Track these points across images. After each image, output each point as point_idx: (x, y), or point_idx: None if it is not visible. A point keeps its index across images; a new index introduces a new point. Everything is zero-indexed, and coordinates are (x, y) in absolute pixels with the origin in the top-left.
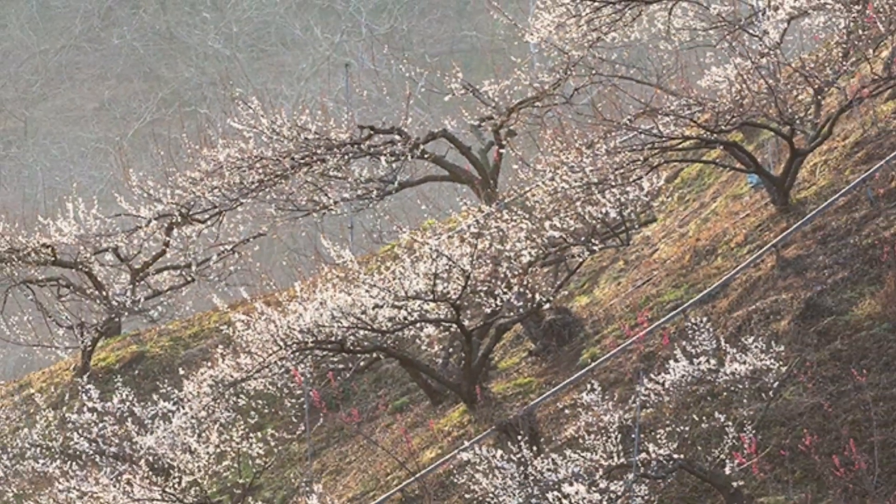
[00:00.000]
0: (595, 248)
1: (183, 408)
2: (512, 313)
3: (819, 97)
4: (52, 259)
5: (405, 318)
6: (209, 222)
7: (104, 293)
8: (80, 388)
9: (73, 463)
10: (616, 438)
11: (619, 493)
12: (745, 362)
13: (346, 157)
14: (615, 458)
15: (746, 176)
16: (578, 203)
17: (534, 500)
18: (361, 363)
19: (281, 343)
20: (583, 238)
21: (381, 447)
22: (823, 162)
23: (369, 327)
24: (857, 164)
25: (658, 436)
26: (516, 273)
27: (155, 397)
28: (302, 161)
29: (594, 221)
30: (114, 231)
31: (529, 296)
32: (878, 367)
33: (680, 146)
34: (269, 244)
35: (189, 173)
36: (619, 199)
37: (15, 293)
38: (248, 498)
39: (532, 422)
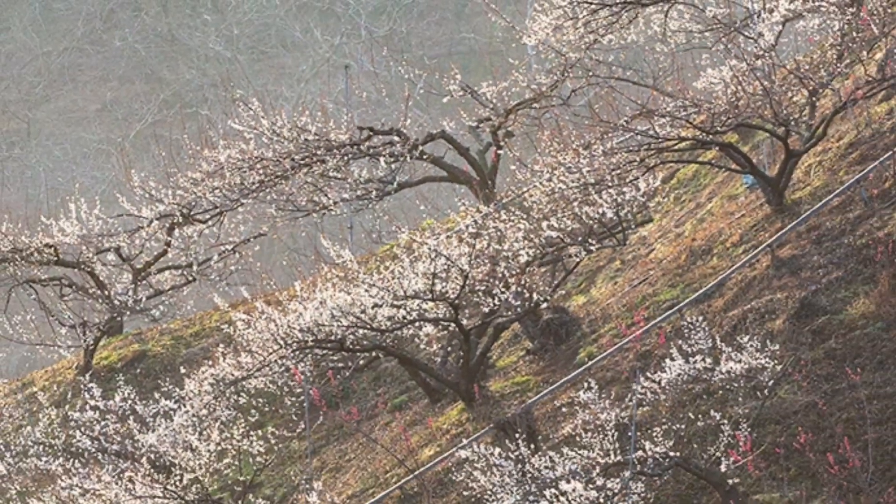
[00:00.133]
0: (592, 247)
1: (184, 406)
2: (510, 312)
3: (814, 99)
4: (55, 259)
5: (404, 318)
6: (210, 222)
7: (106, 292)
8: (82, 386)
9: (76, 460)
10: (613, 436)
11: (616, 491)
12: (740, 361)
13: (345, 157)
14: (612, 456)
15: (742, 177)
16: (575, 203)
17: (531, 498)
18: (361, 362)
19: (281, 342)
20: (580, 238)
21: (381, 445)
22: (818, 163)
23: (369, 326)
24: (851, 164)
25: (654, 434)
26: (514, 273)
27: (156, 396)
28: (302, 162)
29: (591, 221)
30: (116, 231)
31: (527, 295)
32: (872, 365)
33: (676, 147)
34: (270, 244)
35: (190, 174)
36: (615, 199)
37: (18, 292)
38: (249, 495)
39: (530, 420)
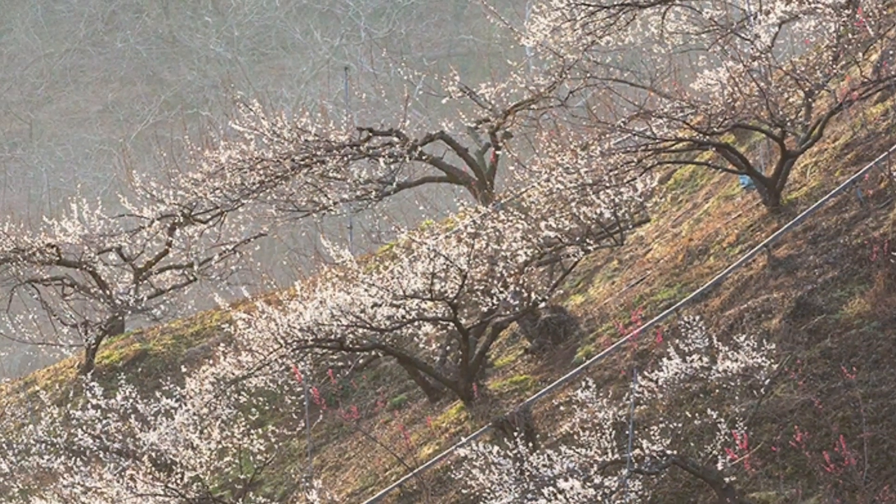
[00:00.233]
0: (590, 247)
1: (185, 405)
2: (508, 312)
3: (809, 100)
4: (57, 259)
5: (403, 317)
6: (211, 222)
7: (108, 292)
8: (84, 385)
9: (78, 459)
10: (610, 435)
11: (614, 489)
12: (736, 360)
13: (345, 158)
14: (609, 454)
15: (738, 177)
16: (573, 204)
17: (529, 496)
18: (360, 361)
19: (281, 341)
20: (578, 238)
21: (380, 443)
22: (814, 163)
23: (368, 326)
24: (846, 165)
25: (651, 432)
26: (512, 272)
27: (158, 394)
28: (302, 162)
29: (589, 222)
30: (117, 231)
31: (525, 295)
32: (868, 364)
33: (673, 148)
34: (270, 244)
35: (191, 174)
36: (613, 199)
37: (20, 292)
38: (250, 493)
39: (528, 418)
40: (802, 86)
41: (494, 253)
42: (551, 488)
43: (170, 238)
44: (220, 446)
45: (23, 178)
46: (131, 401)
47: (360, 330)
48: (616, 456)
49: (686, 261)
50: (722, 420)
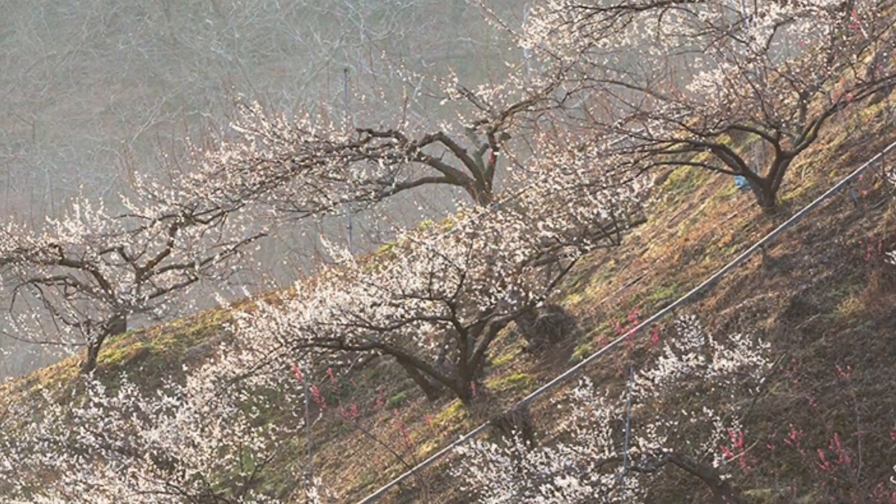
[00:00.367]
0: (587, 247)
1: (186, 403)
2: (506, 311)
3: (804, 101)
4: (60, 258)
5: (402, 316)
6: (212, 223)
7: (110, 292)
8: (86, 383)
9: (80, 456)
10: (607, 433)
11: (610, 486)
12: (732, 359)
13: (344, 159)
14: (606, 452)
15: (734, 178)
16: (571, 204)
17: (527, 493)
18: (360, 360)
19: (282, 340)
20: (575, 238)
21: (379, 441)
22: (809, 164)
23: (367, 325)
24: (841, 166)
25: (648, 430)
26: (510, 272)
27: (159, 393)
28: (302, 163)
29: (586, 222)
30: (119, 231)
31: (523, 294)
32: (862, 363)
33: (669, 149)
34: (270, 244)
35: (192, 175)
36: (610, 200)
37: (23, 292)
38: (250, 490)
39: (525, 416)
40: (797, 87)
41: (492, 253)
42: (549, 486)
43: (171, 238)
44: (220, 444)
45: (26, 179)
46: (133, 399)
47: (360, 329)
48: (613, 454)
49: (682, 261)
50: (717, 418)
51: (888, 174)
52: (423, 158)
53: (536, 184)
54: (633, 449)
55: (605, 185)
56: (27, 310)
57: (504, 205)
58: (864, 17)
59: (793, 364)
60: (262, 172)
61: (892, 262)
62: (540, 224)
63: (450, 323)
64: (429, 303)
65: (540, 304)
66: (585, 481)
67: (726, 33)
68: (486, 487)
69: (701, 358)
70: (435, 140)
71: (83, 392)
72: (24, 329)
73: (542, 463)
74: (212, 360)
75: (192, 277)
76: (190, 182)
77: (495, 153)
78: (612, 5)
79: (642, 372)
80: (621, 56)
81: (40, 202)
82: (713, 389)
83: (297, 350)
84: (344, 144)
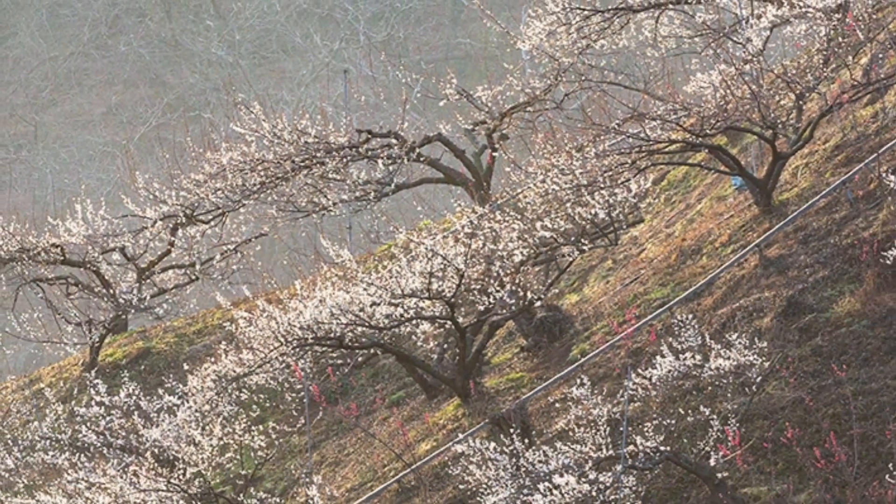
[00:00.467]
0: (584, 247)
1: (187, 402)
2: (504, 311)
3: (800, 102)
4: (62, 258)
5: (402, 316)
6: (213, 223)
7: (111, 291)
8: (88, 382)
9: (82, 455)
10: (605, 431)
11: (608, 484)
12: (729, 358)
13: (344, 160)
14: (604, 451)
15: (731, 178)
16: (568, 204)
17: (525, 491)
18: (359, 359)
19: (282, 339)
20: (573, 238)
21: (379, 440)
22: (805, 165)
23: (367, 324)
24: (837, 166)
25: (645, 429)
26: (509, 272)
27: (160, 391)
28: (302, 164)
29: (584, 222)
30: (121, 231)
31: (521, 294)
32: (858, 362)
33: (666, 149)
34: (271, 244)
35: (193, 176)
36: (607, 200)
37: (26, 291)
38: (251, 489)
39: (524, 415)
40: (793, 88)
41: (491, 253)
42: (547, 484)
43: (172, 238)
44: (221, 443)
45: (28, 180)
46: (134, 398)
47: (359, 328)
48: (610, 452)
49: (679, 260)
50: (714, 417)
51: (883, 175)
52: (422, 159)
53: (534, 184)
54: (631, 447)
55: (602, 185)
56: (29, 309)
57: (502, 205)
58: (860, 18)
59: (789, 363)
60: (262, 173)
61: (888, 261)
62: (538, 224)
63: (449, 322)
64: (428, 302)
65: (538, 303)
66: (583, 479)
67: (723, 35)
68: (484, 485)
69: (698, 357)
70: (434, 141)
71: (85, 391)
72: (26, 328)
73: (540, 461)
74: (212, 360)
75: (193, 277)
76: (191, 182)
77: (494, 154)
78: (609, 7)
79: (640, 371)
80: (619, 57)
81: (42, 202)
82: (710, 388)
83: (297, 349)
84: (344, 145)
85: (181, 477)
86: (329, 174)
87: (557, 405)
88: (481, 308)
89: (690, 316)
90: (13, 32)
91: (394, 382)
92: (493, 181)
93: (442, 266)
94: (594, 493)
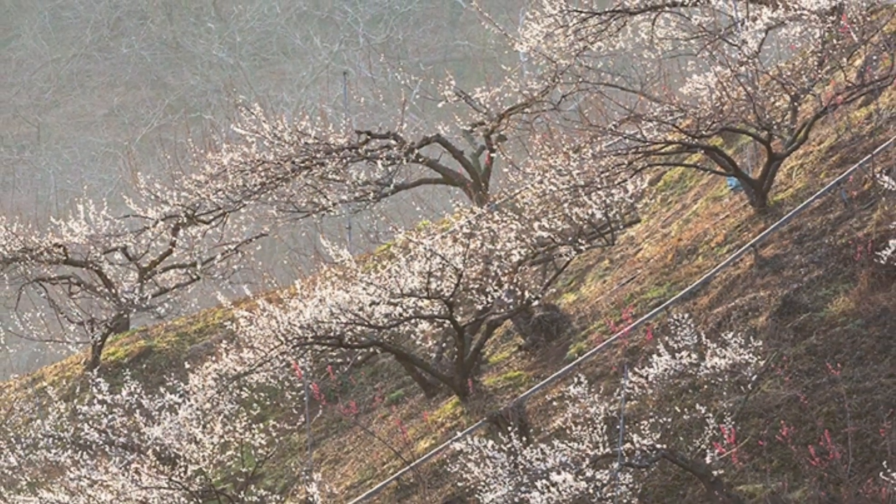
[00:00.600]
0: (582, 247)
1: (188, 400)
2: (502, 310)
3: (795, 104)
4: (64, 258)
5: (400, 315)
6: (214, 223)
7: (113, 291)
8: (90, 381)
9: (84, 453)
10: (602, 429)
11: (605, 482)
12: (724, 357)
13: (344, 160)
14: (601, 448)
15: (726, 179)
16: (566, 205)
17: (523, 489)
18: (359, 357)
19: (282, 338)
20: (570, 238)
21: (378, 437)
22: (799, 165)
23: (366, 323)
24: (831, 167)
25: (642, 427)
26: (507, 271)
27: (162, 390)
28: (302, 165)
29: (581, 222)
30: (122, 231)
31: (519, 293)
32: (852, 361)
33: (663, 150)
34: (271, 244)
35: (194, 176)
36: (604, 200)
37: (28, 291)
38: (251, 486)
39: (522, 413)
40: (788, 90)
41: (489, 252)
42: (544, 481)
43: (174, 238)
44: (222, 440)
45: (31, 180)
46: (136, 396)
47: (359, 327)
48: (607, 450)
49: (675, 260)
50: (710, 415)
51: (878, 175)
52: (420, 160)
53: (532, 185)
54: (628, 445)
55: (599, 186)
56: (32, 308)
57: (500, 205)
58: (854, 21)
59: (784, 362)
60: (262, 174)
61: (882, 261)
62: (536, 224)
63: (447, 321)
64: (427, 301)
65: (536, 302)
66: (580, 477)
67: (719, 37)
68: (482, 483)
69: (694, 356)
70: (433, 142)
71: (87, 389)
72: (29, 327)
73: (537, 459)
74: (213, 358)
75: (194, 277)
76: (192, 183)
77: (492, 155)
78: (606, 9)
79: (636, 369)
80: (616, 59)
81: (45, 203)
82: (706, 387)
83: (297, 348)
84: (343, 146)
85: (182, 474)
86: (329, 175)
87: (555, 403)
88: (479, 307)
89: (686, 315)
90: (16, 34)
91: (393, 381)
92: (491, 182)
93: (440, 266)
94: (591, 491)
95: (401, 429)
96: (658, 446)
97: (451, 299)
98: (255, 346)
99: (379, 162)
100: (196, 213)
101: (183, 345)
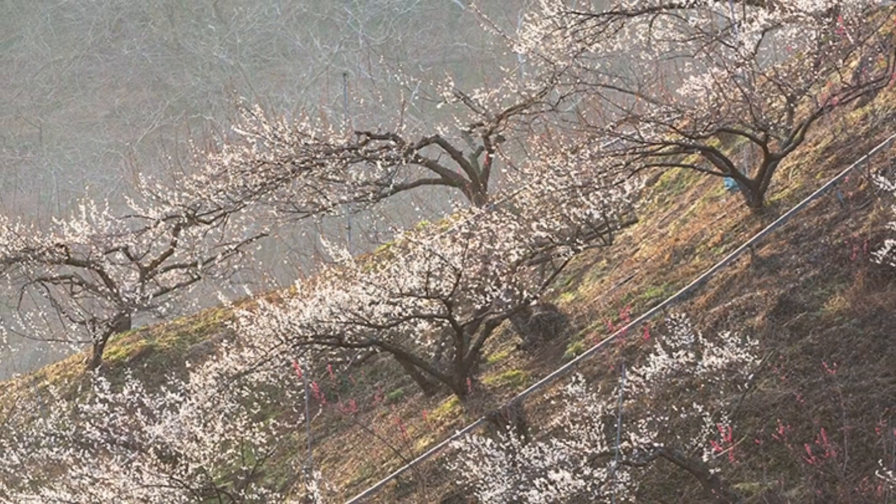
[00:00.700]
0: (579, 247)
1: (189, 399)
2: (501, 309)
3: (792, 105)
4: (66, 258)
5: (400, 314)
6: (214, 223)
7: (115, 290)
8: (92, 380)
9: (86, 451)
10: (599, 428)
11: (603, 480)
12: (721, 356)
13: (343, 161)
14: (599, 447)
15: (723, 179)
16: (564, 205)
17: (521, 487)
18: (358, 357)
19: (282, 337)
20: (568, 238)
21: (377, 436)
22: (796, 166)
23: (366, 323)
24: (827, 168)
25: (639, 425)
26: (505, 271)
27: (163, 389)
28: (302, 165)
29: (579, 222)
30: (124, 231)
31: (517, 293)
32: (848, 360)
33: (660, 151)
34: (271, 244)
35: (195, 177)
36: (602, 201)
37: (31, 290)
38: (251, 484)
39: (520, 412)
40: (785, 91)
41: (488, 252)
42: (542, 479)
43: (175, 238)
44: (223, 439)
45: (33, 181)
46: (137, 395)
47: (358, 327)
48: (605, 448)
49: (672, 260)
50: (707, 414)
51: (873, 176)
52: (420, 160)
53: (530, 185)
54: (625, 443)
55: (597, 186)
56: (34, 308)
57: (499, 206)
58: (850, 22)
59: (780, 361)
60: (263, 174)
61: (877, 261)
62: (534, 224)
63: (446, 321)
64: (426, 301)
65: (534, 302)
66: (578, 475)
67: (715, 38)
68: (481, 481)
69: (691, 355)
70: (432, 142)
71: (89, 388)
72: (31, 327)
73: (535, 457)
74: (214, 357)
75: (195, 276)
76: (193, 183)
77: (490, 155)
78: (604, 11)
79: (634, 369)
80: (613, 61)
81: (47, 203)
82: (703, 386)
83: (298, 347)
84: (343, 147)
85: (183, 473)
86: (329, 175)
87: (553, 402)
88: (478, 307)
89: (684, 315)
90: (18, 36)
91: (392, 380)
92: (490, 182)
93: (440, 265)
94: (589, 489)
95: (400, 427)
96: (655, 444)
97: (449, 299)
98: (255, 345)
99: (378, 162)
100: (197, 214)
101: (184, 344)
